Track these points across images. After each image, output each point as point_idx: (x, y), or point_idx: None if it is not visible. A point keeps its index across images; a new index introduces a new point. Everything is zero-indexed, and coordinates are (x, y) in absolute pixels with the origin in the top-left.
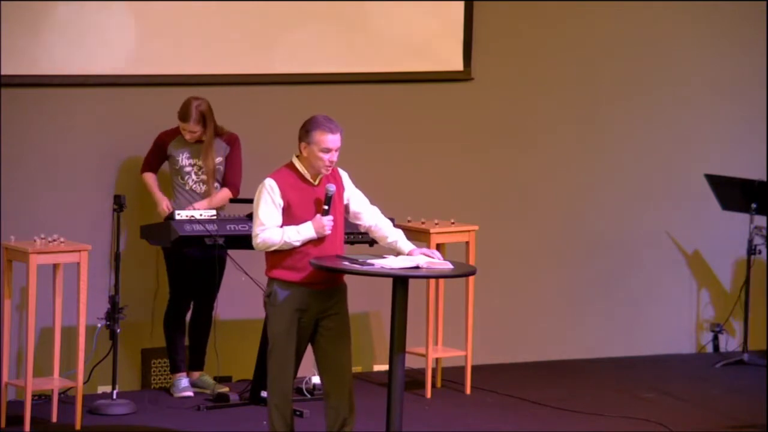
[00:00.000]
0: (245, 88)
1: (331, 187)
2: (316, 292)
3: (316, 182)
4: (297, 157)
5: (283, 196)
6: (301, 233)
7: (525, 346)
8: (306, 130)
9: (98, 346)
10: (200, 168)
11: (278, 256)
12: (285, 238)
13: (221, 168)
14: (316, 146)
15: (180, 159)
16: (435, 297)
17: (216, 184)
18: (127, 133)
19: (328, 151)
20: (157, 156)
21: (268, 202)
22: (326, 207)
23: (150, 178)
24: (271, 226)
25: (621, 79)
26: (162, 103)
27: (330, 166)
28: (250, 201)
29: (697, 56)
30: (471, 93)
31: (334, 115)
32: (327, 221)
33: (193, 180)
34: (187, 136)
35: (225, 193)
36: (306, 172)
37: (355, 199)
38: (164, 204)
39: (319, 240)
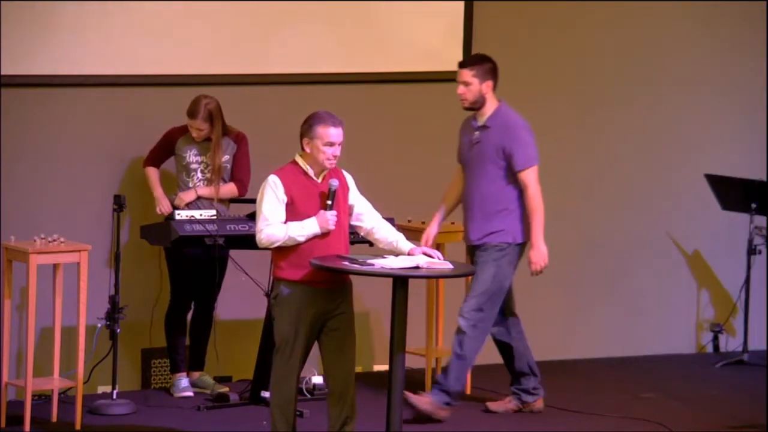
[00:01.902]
0: (245, 88)
1: (334, 182)
2: (323, 290)
3: (320, 179)
4: (300, 154)
5: (287, 192)
6: (305, 228)
7: None
8: (309, 126)
9: (98, 346)
10: (207, 165)
11: (284, 254)
12: (289, 233)
13: (228, 166)
14: (320, 140)
15: (187, 156)
16: (435, 297)
17: (221, 183)
18: (127, 133)
19: (331, 144)
20: (164, 150)
21: (272, 198)
22: (329, 202)
23: (152, 173)
24: (274, 222)
25: (621, 80)
26: (162, 103)
27: (333, 161)
28: (253, 201)
29: (697, 56)
30: None
31: (333, 114)
32: (331, 216)
33: (198, 177)
34: (194, 134)
35: (231, 187)
36: (309, 169)
37: (358, 203)
38: (163, 205)
39: (323, 236)
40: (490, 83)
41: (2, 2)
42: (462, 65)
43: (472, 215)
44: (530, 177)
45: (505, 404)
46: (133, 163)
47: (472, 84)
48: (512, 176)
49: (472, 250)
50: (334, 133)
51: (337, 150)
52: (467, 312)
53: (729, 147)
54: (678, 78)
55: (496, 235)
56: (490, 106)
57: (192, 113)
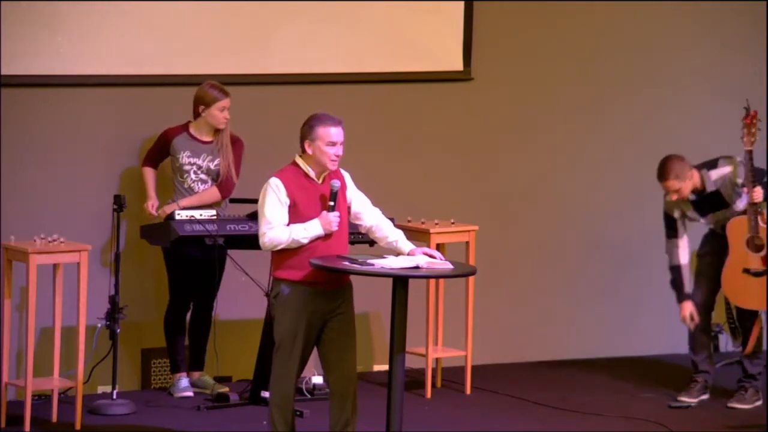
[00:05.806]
0: (245, 88)
1: (336, 183)
2: (324, 291)
3: (320, 180)
4: (300, 156)
5: (289, 195)
6: (308, 230)
7: (525, 346)
8: (309, 127)
9: (98, 346)
10: (199, 167)
11: (285, 255)
12: (293, 236)
13: (220, 169)
14: (322, 141)
15: (180, 157)
16: (435, 297)
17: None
18: (127, 133)
19: (333, 144)
20: (160, 151)
21: (274, 200)
22: (332, 203)
23: (148, 173)
24: (278, 225)
25: (621, 79)
26: (162, 103)
27: (336, 161)
28: (252, 201)
29: (697, 56)
30: (471, 93)
31: (333, 114)
32: (333, 217)
33: (192, 179)
34: (224, 114)
35: (212, 191)
36: (310, 170)
37: (356, 200)
38: (150, 203)
39: (326, 237)
40: None
41: (2, 2)
42: None
43: None
44: None
45: None
46: (133, 163)
47: None
48: None
49: None
50: (336, 133)
51: (339, 149)
52: None
53: (729, 147)
54: (678, 78)
55: None
56: None
57: (223, 91)
